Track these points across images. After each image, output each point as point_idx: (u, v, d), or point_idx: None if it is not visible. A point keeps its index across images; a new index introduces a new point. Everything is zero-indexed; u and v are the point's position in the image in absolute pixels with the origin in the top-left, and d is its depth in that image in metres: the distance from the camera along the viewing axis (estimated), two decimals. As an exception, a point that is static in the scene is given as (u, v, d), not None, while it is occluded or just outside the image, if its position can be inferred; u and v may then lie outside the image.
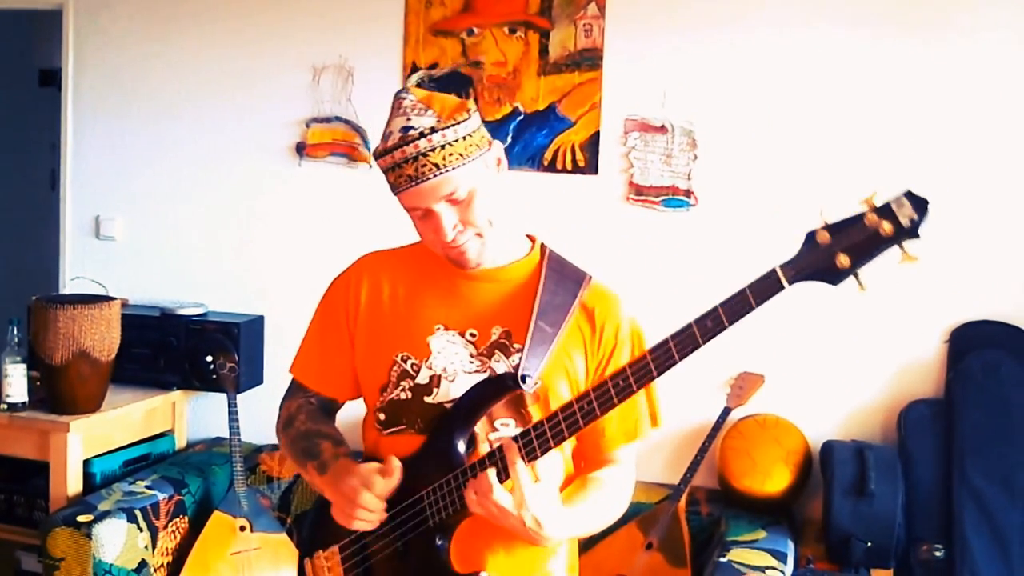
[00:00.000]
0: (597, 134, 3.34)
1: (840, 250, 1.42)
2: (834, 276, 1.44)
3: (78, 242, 3.94)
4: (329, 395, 1.88)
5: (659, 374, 1.53)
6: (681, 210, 3.29)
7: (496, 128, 3.33)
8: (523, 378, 1.63)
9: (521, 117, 3.37)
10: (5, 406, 3.19)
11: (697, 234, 3.30)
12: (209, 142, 3.76)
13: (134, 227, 3.88)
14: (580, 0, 3.31)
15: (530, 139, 3.37)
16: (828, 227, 1.44)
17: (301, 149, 3.63)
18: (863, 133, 3.16)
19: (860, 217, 1.42)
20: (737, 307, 1.47)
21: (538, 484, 1.58)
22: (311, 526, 1.92)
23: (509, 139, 3.36)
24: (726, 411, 3.18)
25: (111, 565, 2.92)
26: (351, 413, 1.90)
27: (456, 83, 3.42)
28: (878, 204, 1.41)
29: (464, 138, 1.62)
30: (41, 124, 4.91)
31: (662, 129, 3.28)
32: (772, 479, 3.08)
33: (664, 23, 3.28)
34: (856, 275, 1.43)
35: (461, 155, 1.61)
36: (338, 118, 3.58)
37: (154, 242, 3.85)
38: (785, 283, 1.45)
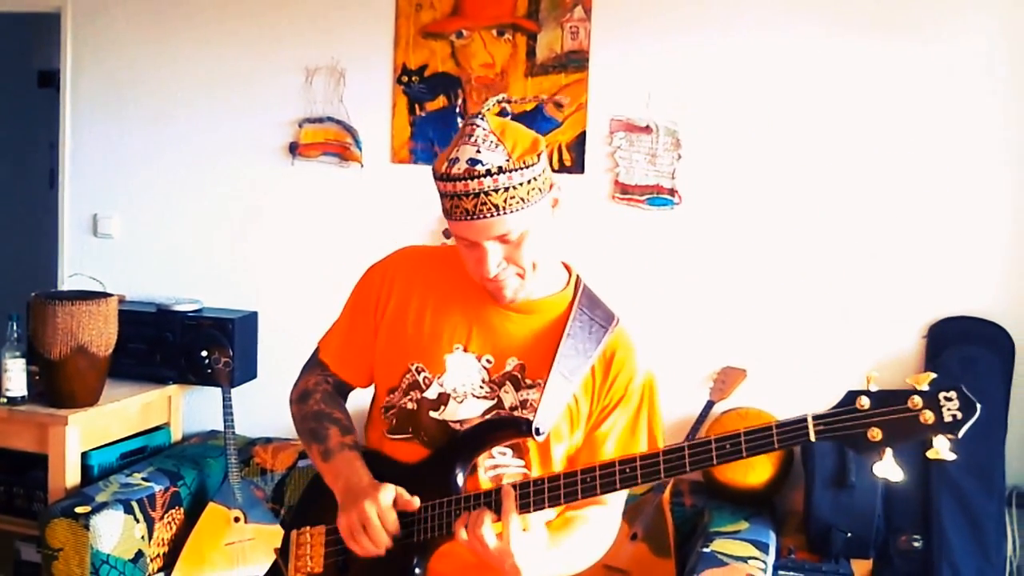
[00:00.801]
0: (583, 134, 3.37)
1: (875, 424, 1.40)
2: (861, 447, 1.42)
3: (76, 240, 3.95)
4: (345, 379, 1.89)
5: (666, 476, 1.54)
6: (665, 208, 3.32)
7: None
8: (537, 431, 1.64)
9: (508, 117, 3.31)
10: (5, 400, 3.22)
11: (681, 232, 3.32)
12: (204, 142, 3.78)
13: (131, 225, 3.89)
14: (567, 3, 3.33)
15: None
16: (870, 394, 1.42)
17: (294, 149, 3.65)
18: (843, 133, 3.19)
19: (904, 396, 1.40)
20: (759, 442, 1.47)
21: (525, 534, 1.57)
22: (304, 501, 1.94)
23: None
24: (709, 404, 3.21)
25: (108, 555, 2.94)
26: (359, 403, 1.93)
27: (444, 84, 3.46)
28: (927, 388, 1.39)
29: (529, 182, 1.58)
30: (40, 124, 4.93)
31: (647, 129, 3.31)
32: (754, 471, 3.09)
33: (649, 26, 3.31)
34: (882, 451, 1.41)
35: (523, 199, 1.58)
36: (330, 118, 3.60)
37: (150, 240, 3.87)
38: (812, 436, 1.43)
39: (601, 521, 1.78)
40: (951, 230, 3.15)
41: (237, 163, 3.76)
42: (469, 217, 1.57)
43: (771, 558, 2.82)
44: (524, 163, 1.58)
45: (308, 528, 1.82)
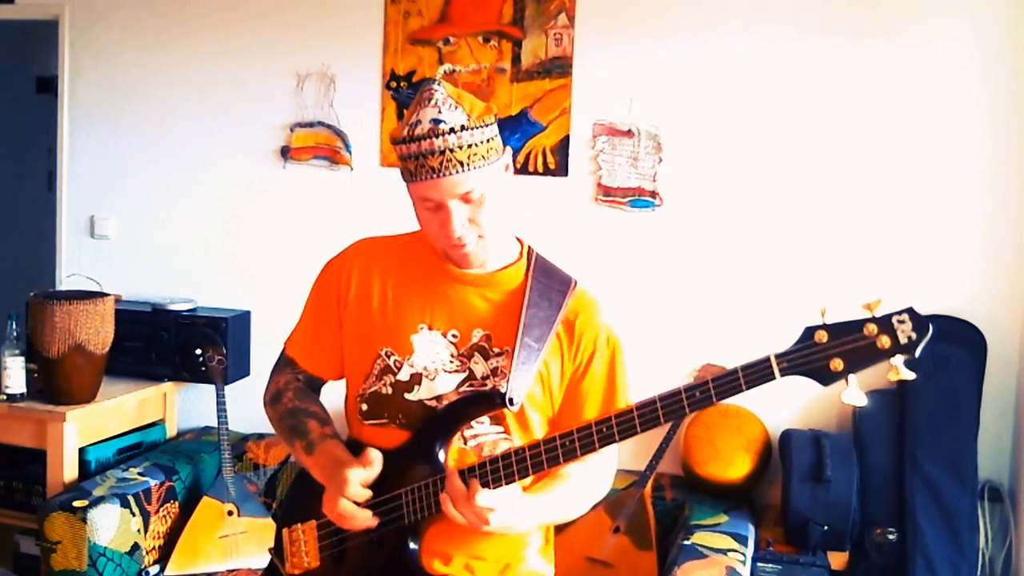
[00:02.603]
0: (567, 138, 3.41)
1: (836, 354, 1.43)
2: (825, 378, 1.44)
3: (73, 241, 3.98)
4: (316, 373, 1.90)
5: (642, 430, 1.55)
6: (647, 210, 3.37)
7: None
8: (511, 400, 1.65)
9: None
10: (4, 397, 3.25)
11: (662, 233, 3.37)
12: (198, 145, 3.81)
13: (127, 226, 3.92)
14: (550, 10, 3.38)
15: (503, 142, 3.42)
16: (827, 327, 1.44)
17: (286, 152, 3.69)
18: (819, 135, 3.25)
19: (860, 325, 1.42)
20: (727, 386, 1.49)
21: (490, 495, 1.58)
22: (291, 497, 1.96)
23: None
24: None
25: (105, 548, 2.97)
26: (337, 400, 1.95)
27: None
28: (879, 315, 1.41)
29: (487, 140, 1.63)
30: (38, 129, 4.97)
31: (629, 133, 3.36)
32: (733, 466, 3.14)
33: (631, 32, 3.35)
34: (847, 379, 1.43)
35: (483, 157, 1.62)
36: (321, 123, 3.64)
37: (146, 241, 3.90)
38: (777, 375, 1.46)
39: (595, 466, 1.79)
40: (925, 231, 3.21)
41: (230, 166, 3.79)
42: (435, 175, 1.61)
43: (750, 550, 2.86)
44: (483, 122, 1.63)
45: (299, 524, 1.83)
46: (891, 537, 3.05)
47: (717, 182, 3.34)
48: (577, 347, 1.78)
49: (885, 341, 1.40)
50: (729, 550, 2.79)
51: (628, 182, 3.38)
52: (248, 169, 3.77)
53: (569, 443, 1.59)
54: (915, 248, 3.22)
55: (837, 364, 1.43)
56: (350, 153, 3.64)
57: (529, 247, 1.86)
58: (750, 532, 2.97)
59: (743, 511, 3.11)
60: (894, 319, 1.41)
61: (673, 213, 3.37)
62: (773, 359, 1.47)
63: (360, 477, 1.67)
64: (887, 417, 3.12)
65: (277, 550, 1.88)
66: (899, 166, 3.21)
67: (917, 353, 1.41)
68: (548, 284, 1.80)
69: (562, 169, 3.44)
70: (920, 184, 3.20)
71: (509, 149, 1.73)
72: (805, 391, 3.33)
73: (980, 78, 3.15)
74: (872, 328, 1.41)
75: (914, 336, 1.40)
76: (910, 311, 1.41)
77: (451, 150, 1.60)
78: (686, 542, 2.84)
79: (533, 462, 1.61)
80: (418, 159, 1.61)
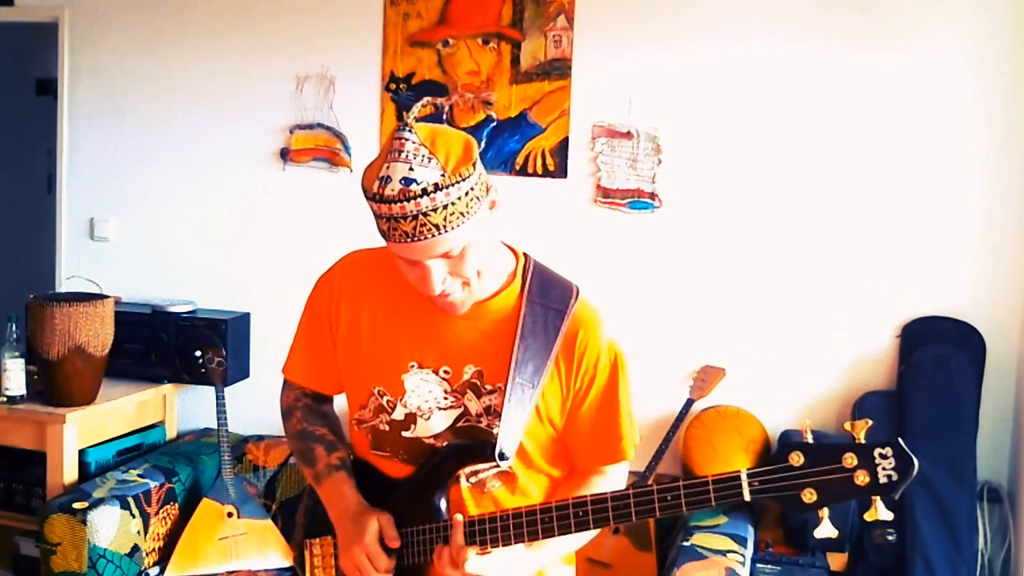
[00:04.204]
0: (566, 139, 3.41)
1: (809, 484, 1.35)
2: (796, 508, 1.36)
3: (73, 243, 3.98)
4: (319, 391, 1.86)
5: (615, 523, 1.50)
6: (646, 212, 3.37)
7: (470, 134, 3.39)
8: (501, 455, 1.60)
9: (494, 124, 3.43)
10: (4, 399, 3.26)
11: (661, 235, 3.38)
12: (198, 148, 3.81)
13: (127, 228, 3.93)
14: (550, 12, 3.38)
15: (503, 144, 3.43)
16: (804, 449, 1.36)
17: (285, 154, 3.69)
18: (818, 138, 3.25)
19: (839, 454, 1.34)
20: (697, 497, 1.44)
21: (487, 557, 1.57)
22: (312, 508, 1.90)
23: (483, 144, 3.41)
24: (689, 402, 3.25)
25: (105, 549, 2.97)
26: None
27: (431, 92, 3.49)
28: (863, 441, 1.33)
29: (467, 194, 1.47)
30: (38, 131, 4.98)
31: (628, 135, 3.36)
32: (733, 467, 3.09)
33: (630, 34, 3.36)
34: (820, 513, 1.36)
35: (462, 214, 1.47)
36: (320, 125, 3.64)
37: (146, 243, 3.91)
38: (747, 495, 1.39)
39: (600, 487, 1.73)
40: (924, 233, 3.21)
41: (230, 168, 3.79)
42: (409, 239, 1.47)
43: (749, 551, 2.87)
44: (460, 176, 1.46)
45: (318, 539, 1.83)
46: (890, 538, 3.06)
47: (716, 184, 3.34)
48: (577, 369, 1.68)
49: (863, 478, 1.32)
50: (728, 551, 2.80)
51: (627, 184, 3.39)
52: (247, 171, 3.78)
53: (548, 520, 1.55)
54: (914, 250, 3.23)
55: (810, 496, 1.36)
56: (349, 155, 3.65)
57: (525, 259, 1.72)
58: (749, 533, 2.98)
59: (742, 512, 3.12)
60: (876, 452, 1.31)
61: (672, 215, 3.38)
62: (744, 478, 1.40)
63: (383, 560, 1.65)
64: (886, 418, 3.12)
65: (299, 560, 1.88)
66: (898, 168, 3.22)
67: (896, 496, 1.31)
68: (544, 306, 1.67)
69: (561, 171, 3.44)
70: (919, 186, 3.21)
71: (495, 187, 1.57)
72: (804, 392, 3.37)
73: (978, 82, 3.15)
74: (851, 459, 1.33)
75: (894, 477, 1.30)
76: (895, 445, 1.32)
77: (424, 214, 1.44)
78: (685, 543, 2.86)
79: (515, 532, 1.58)
80: (389, 221, 1.47)
